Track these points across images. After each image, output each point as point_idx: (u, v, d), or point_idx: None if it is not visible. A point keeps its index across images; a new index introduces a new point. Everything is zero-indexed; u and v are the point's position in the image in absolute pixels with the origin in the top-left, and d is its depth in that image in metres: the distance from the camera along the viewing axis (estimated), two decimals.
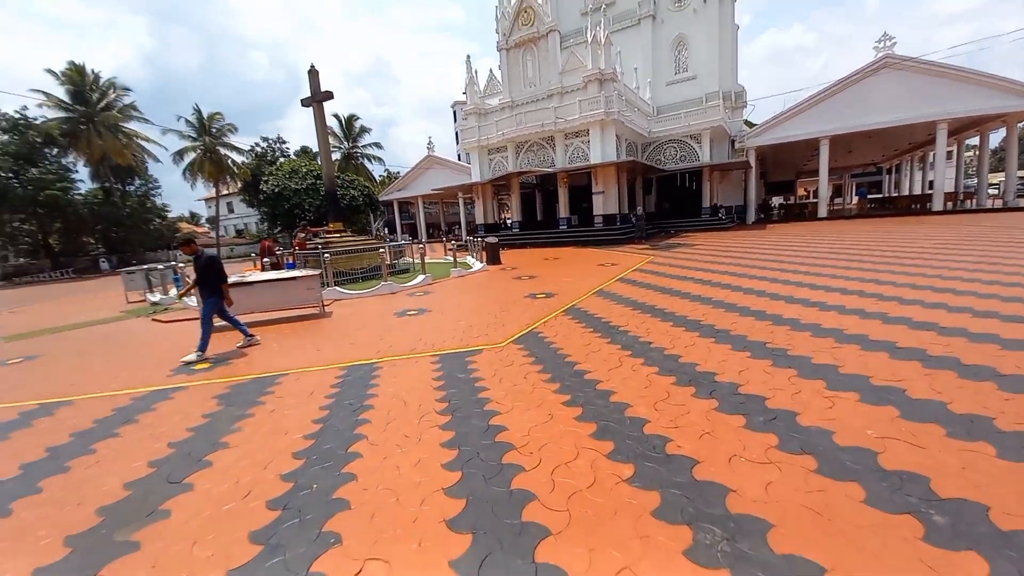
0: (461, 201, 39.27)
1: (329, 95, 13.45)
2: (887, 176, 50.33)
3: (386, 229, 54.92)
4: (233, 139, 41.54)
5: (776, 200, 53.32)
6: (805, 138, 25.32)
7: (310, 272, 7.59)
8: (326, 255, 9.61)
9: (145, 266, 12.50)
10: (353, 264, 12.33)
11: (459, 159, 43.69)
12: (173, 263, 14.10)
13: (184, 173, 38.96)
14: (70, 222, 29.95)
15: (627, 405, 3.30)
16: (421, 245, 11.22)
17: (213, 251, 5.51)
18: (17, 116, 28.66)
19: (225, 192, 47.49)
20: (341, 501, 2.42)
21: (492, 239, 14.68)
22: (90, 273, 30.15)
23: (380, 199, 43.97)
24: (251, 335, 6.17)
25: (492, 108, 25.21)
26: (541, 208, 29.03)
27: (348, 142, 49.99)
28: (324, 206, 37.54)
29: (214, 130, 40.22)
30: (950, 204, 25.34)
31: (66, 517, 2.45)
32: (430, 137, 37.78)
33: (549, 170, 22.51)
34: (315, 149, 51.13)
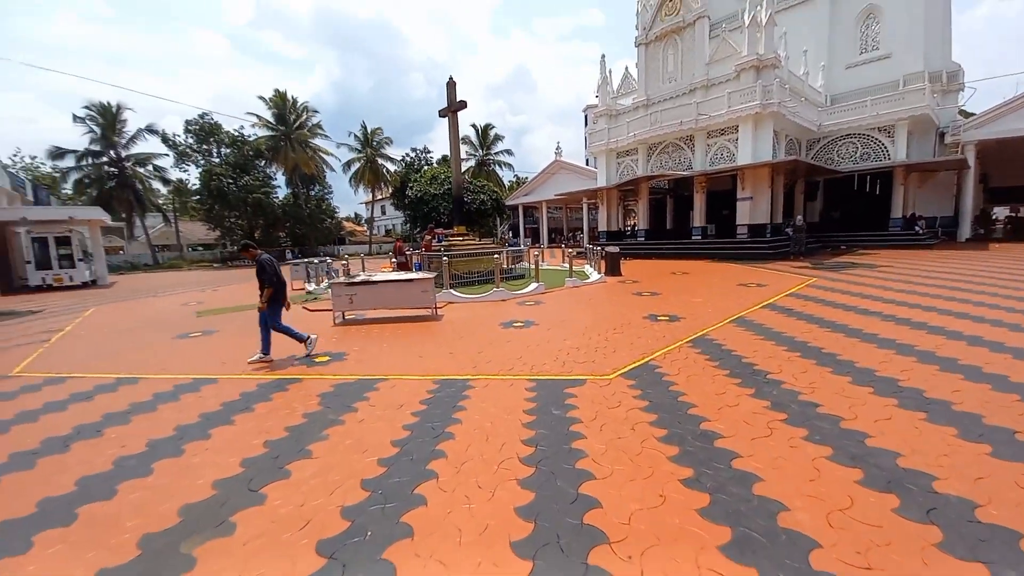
0: (585, 207, 38.46)
1: (463, 105, 14.03)
2: None
3: (510, 233, 57.00)
4: (388, 150, 47.47)
5: (1000, 211, 40.51)
6: None
7: (425, 275, 7.78)
8: (444, 258, 9.89)
9: (304, 260, 14.70)
10: (472, 267, 12.61)
11: (587, 164, 42.97)
12: (326, 258, 16.25)
13: (350, 181, 45.84)
14: (269, 219, 37.42)
15: (781, 507, 2.30)
16: (536, 252, 10.87)
17: (268, 256, 5.44)
18: (236, 134, 36.87)
19: (379, 197, 54.51)
20: (387, 566, 2.03)
21: (613, 248, 13.67)
22: (280, 261, 37.35)
23: (507, 203, 45.61)
24: (267, 354, 5.47)
25: (624, 108, 23.93)
26: (672, 216, 26.59)
27: (482, 150, 53.03)
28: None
29: (375, 143, 46.42)
30: None
31: (155, 509, 2.54)
32: (558, 142, 37.89)
33: (685, 173, 20.36)
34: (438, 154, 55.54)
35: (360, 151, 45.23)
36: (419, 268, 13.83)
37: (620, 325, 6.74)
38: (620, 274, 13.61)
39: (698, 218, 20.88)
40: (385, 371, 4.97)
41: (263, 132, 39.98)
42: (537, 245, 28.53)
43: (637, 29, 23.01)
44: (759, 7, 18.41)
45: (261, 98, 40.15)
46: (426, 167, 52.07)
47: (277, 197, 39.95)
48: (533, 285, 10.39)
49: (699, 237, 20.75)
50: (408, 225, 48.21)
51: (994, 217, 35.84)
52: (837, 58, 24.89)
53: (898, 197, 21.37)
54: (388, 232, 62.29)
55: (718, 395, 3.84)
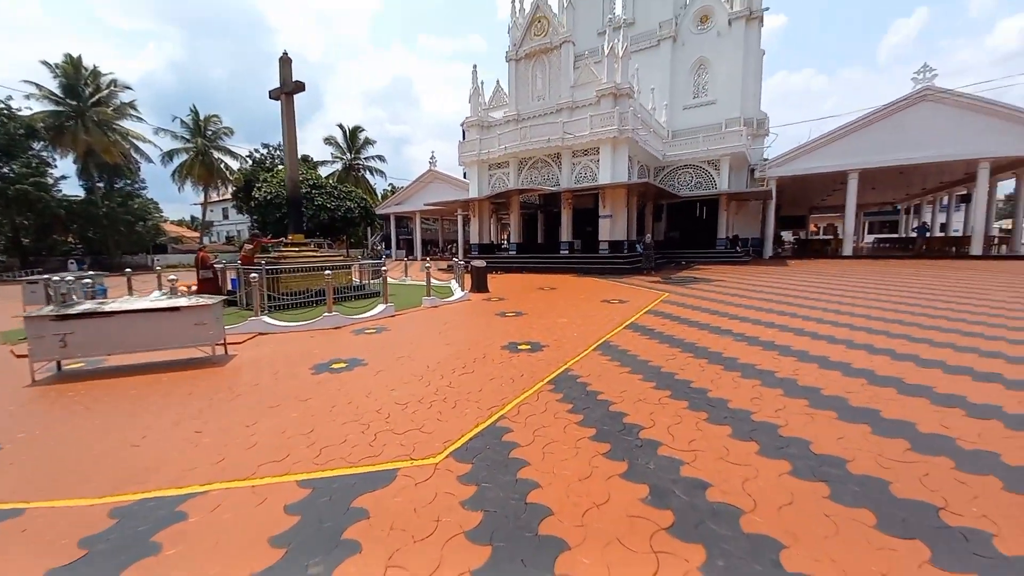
0: (460, 219, 37.53)
1: (300, 87, 11.68)
2: (904, 216, 48.52)
3: (382, 244, 53.42)
4: (229, 143, 40.32)
5: (786, 235, 51.47)
6: (833, 170, 23.48)
7: (199, 302, 5.42)
8: (254, 275, 7.44)
9: (46, 276, 10.41)
10: (311, 284, 10.23)
11: (465, 177, 42.35)
12: (85, 273, 11.94)
13: (173, 175, 37.58)
14: (42, 219, 28.12)
15: None
16: (384, 266, 9.05)
17: None
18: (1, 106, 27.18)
19: (216, 198, 46.07)
20: None
21: (479, 262, 12.57)
22: (45, 275, 28.15)
23: (377, 212, 42.36)
24: None
25: (496, 121, 23.60)
26: (543, 230, 27.12)
27: (351, 153, 48.86)
28: (318, 217, 35.91)
29: (209, 132, 39.03)
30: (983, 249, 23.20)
31: None
32: (432, 151, 36.47)
33: (553, 189, 20.63)
34: (316, 158, 50.13)
35: (188, 140, 37.47)
36: (235, 286, 10.87)
37: (473, 360, 5.40)
38: (487, 290, 12.55)
39: (565, 233, 21.29)
40: (35, 489, 2.74)
41: (44, 107, 30.27)
42: (403, 258, 26.46)
43: (509, 45, 22.96)
44: (616, 40, 19.67)
45: (45, 63, 30.42)
46: (280, 166, 45.95)
47: (59, 190, 30.40)
48: (380, 307, 8.55)
49: (566, 252, 21.13)
50: (257, 232, 41.49)
51: (784, 239, 45.09)
52: (677, 99, 28.38)
53: (722, 220, 24.83)
54: (230, 239, 52.96)
55: (582, 482, 2.65)
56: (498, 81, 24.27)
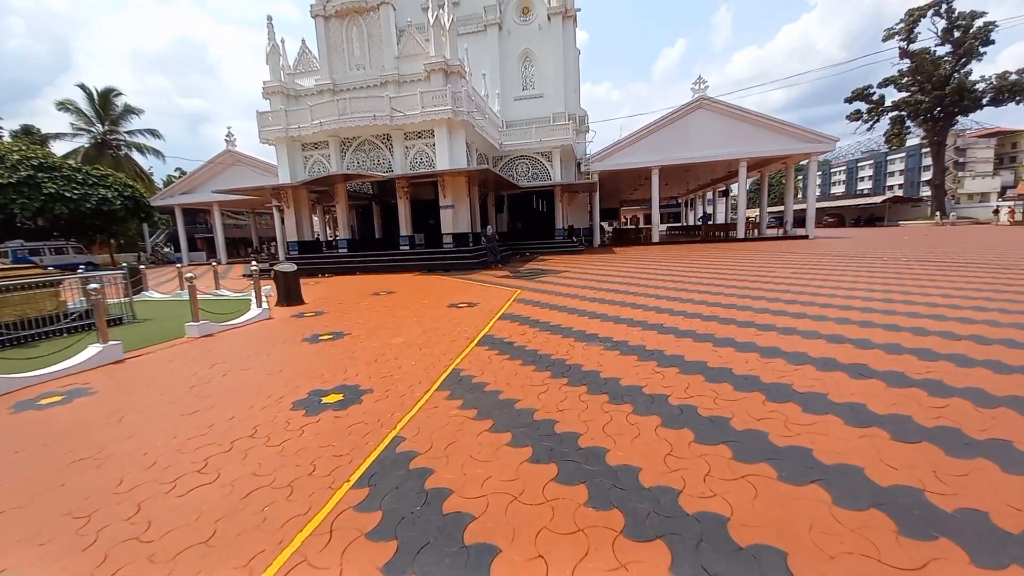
0: (276, 212, 31.32)
1: None
2: (684, 208, 59.86)
3: (170, 245, 42.11)
4: None
5: (604, 225, 58.62)
6: (641, 166, 26.47)
7: None
8: None
9: None
10: None
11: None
12: None
13: None
14: None
15: None
16: (96, 283, 5.56)
17: None
18: None
19: None
20: None
21: (287, 266, 9.55)
22: None
23: (156, 204, 32.58)
24: None
25: (306, 90, 19.61)
26: (380, 224, 24.20)
27: (103, 124, 36.52)
28: (46, 210, 25.61)
29: None
30: (738, 233, 29.49)
31: None
32: (229, 127, 29.41)
33: (385, 175, 18.03)
34: (47, 131, 36.27)
35: None
36: None
37: (228, 446, 3.09)
38: (301, 302, 9.68)
39: (404, 227, 19.00)
40: None
41: None
42: (179, 264, 20.56)
43: None
44: (441, 12, 17.96)
45: None
46: (6, 138, 32.25)
47: None
48: (91, 350, 5.18)
49: (408, 247, 18.91)
50: None
51: (604, 229, 50.79)
52: (508, 90, 28.32)
53: (559, 212, 25.86)
54: None
55: None
56: (303, 41, 20.12)
